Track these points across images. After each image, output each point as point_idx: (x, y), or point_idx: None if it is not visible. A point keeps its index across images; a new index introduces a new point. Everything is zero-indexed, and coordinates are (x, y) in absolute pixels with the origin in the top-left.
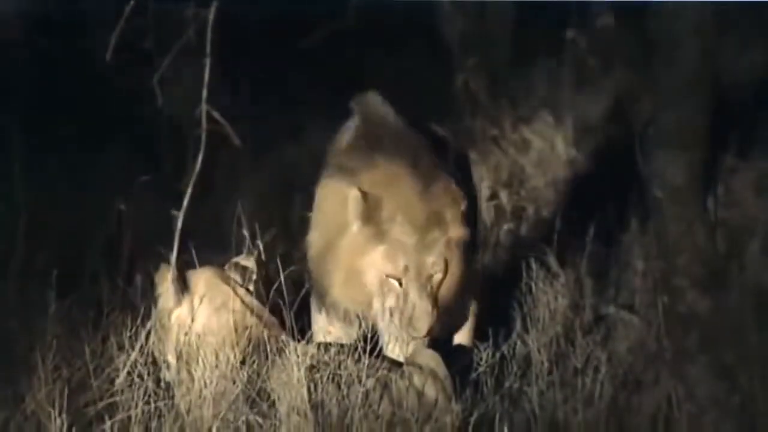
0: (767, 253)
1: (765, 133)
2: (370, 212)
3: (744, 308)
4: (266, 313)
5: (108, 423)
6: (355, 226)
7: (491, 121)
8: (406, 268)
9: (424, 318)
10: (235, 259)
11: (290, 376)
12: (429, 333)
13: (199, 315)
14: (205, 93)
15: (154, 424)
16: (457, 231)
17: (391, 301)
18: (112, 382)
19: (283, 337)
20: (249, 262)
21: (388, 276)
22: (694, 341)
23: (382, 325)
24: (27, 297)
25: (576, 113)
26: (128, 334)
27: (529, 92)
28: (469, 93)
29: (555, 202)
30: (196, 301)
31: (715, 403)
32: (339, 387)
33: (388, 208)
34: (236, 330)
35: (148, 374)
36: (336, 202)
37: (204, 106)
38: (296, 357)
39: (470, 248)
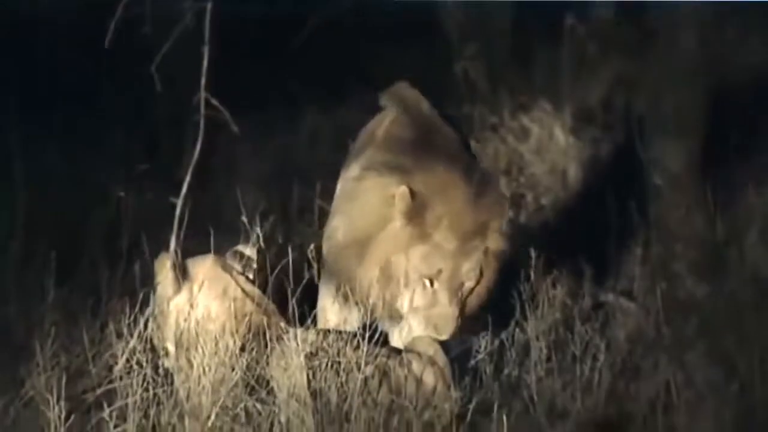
0: (766, 240)
1: (764, 121)
2: (416, 212)
3: (742, 294)
4: (266, 301)
5: (107, 410)
6: (398, 223)
7: (490, 108)
8: (440, 272)
9: (449, 322)
10: (236, 248)
11: (289, 363)
12: (451, 337)
13: (199, 302)
14: (203, 80)
15: (152, 411)
16: (496, 243)
17: (418, 300)
18: (110, 369)
19: (282, 324)
20: (250, 250)
21: (422, 276)
22: (692, 328)
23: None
24: (26, 284)
25: (575, 101)
26: (127, 322)
27: (528, 80)
28: (468, 80)
29: (554, 190)
30: (196, 288)
31: (714, 389)
32: (338, 374)
33: (435, 212)
34: (236, 317)
35: (147, 361)
36: (378, 196)
37: (203, 93)
38: (295, 344)
39: (505, 259)
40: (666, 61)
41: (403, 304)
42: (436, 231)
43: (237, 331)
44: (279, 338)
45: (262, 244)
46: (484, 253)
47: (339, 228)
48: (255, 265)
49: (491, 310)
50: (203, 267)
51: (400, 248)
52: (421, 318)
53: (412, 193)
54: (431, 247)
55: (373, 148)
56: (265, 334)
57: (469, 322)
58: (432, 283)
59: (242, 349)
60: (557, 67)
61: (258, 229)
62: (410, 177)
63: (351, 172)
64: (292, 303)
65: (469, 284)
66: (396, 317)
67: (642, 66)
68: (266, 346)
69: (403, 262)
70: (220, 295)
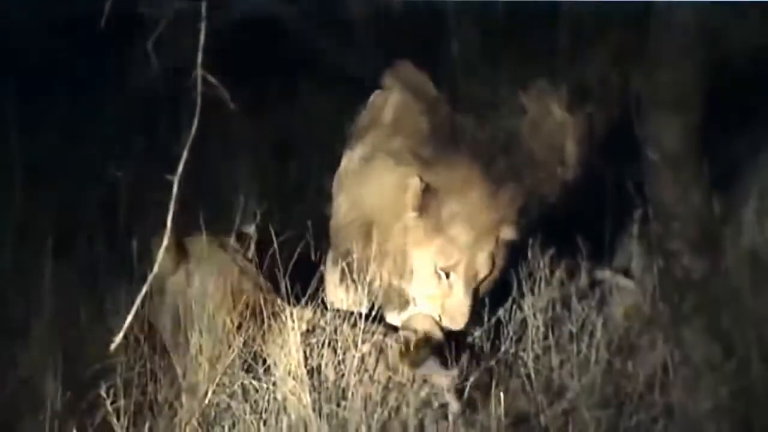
0: (763, 217)
1: (762, 97)
2: (428, 204)
3: (740, 272)
4: (262, 280)
5: (103, 387)
6: (411, 214)
7: (486, 84)
8: (457, 263)
9: (464, 312)
10: (238, 228)
11: (286, 341)
12: (464, 326)
13: (196, 280)
14: (200, 57)
15: (150, 388)
16: (508, 232)
17: (432, 290)
18: (107, 346)
19: (279, 301)
20: (250, 230)
21: (438, 269)
22: (689, 305)
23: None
24: (23, 261)
25: (571, 77)
26: (124, 299)
27: (524, 56)
28: (464, 57)
29: (550, 166)
30: (193, 266)
31: (711, 367)
32: (335, 352)
33: (452, 207)
34: (232, 295)
35: (144, 339)
36: (391, 181)
37: (199, 71)
38: (292, 322)
39: (515, 246)
40: (663, 36)
41: (416, 293)
42: (451, 224)
43: (234, 309)
44: (275, 316)
45: (257, 220)
46: (496, 242)
47: (342, 206)
48: (253, 246)
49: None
50: (201, 245)
51: (416, 241)
52: (435, 308)
53: (426, 187)
54: (447, 240)
55: (382, 131)
56: (261, 312)
57: (480, 309)
58: (448, 275)
59: (239, 327)
60: (554, 43)
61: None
62: (427, 168)
63: (357, 151)
64: (285, 281)
65: (482, 275)
66: (404, 305)
67: (639, 41)
68: (263, 323)
69: (419, 255)
70: (217, 274)
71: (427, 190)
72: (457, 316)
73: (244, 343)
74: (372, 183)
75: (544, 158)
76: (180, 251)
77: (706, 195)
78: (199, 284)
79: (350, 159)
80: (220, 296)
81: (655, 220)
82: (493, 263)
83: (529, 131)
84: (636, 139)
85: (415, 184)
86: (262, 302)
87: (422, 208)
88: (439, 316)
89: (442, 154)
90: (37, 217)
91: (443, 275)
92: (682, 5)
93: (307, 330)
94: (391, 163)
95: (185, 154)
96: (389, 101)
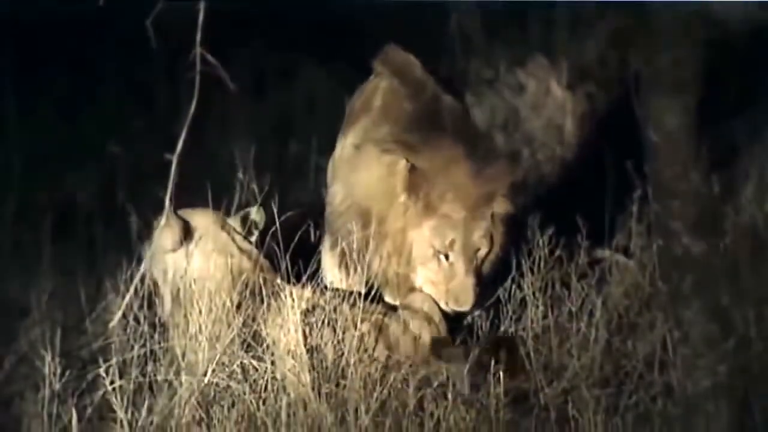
0: (762, 196)
1: (762, 76)
2: (418, 186)
3: (739, 251)
4: (262, 259)
5: (102, 366)
6: (402, 198)
7: (486, 63)
8: (452, 243)
9: (469, 292)
10: (245, 211)
11: (285, 320)
12: (472, 307)
13: (195, 258)
14: (198, 36)
15: (149, 367)
16: (502, 206)
17: (434, 273)
18: (106, 325)
19: (278, 281)
20: (258, 216)
21: (435, 250)
22: (689, 284)
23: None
24: (22, 239)
25: (571, 55)
26: (123, 277)
27: (523, 34)
28: (463, 35)
29: (550, 145)
30: (192, 244)
31: (710, 346)
32: (334, 331)
33: (440, 186)
34: (232, 274)
35: (144, 317)
36: (379, 169)
37: (198, 49)
38: (291, 301)
39: (514, 222)
40: (662, 15)
41: (420, 280)
42: (441, 203)
43: (234, 287)
44: (275, 295)
45: (258, 199)
46: (492, 218)
47: (338, 194)
48: (260, 227)
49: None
50: (201, 223)
51: (410, 224)
52: (440, 292)
53: (413, 168)
54: (440, 219)
55: (371, 118)
56: (261, 291)
57: (485, 289)
58: (447, 257)
59: (238, 306)
60: (553, 21)
61: (254, 186)
62: (412, 152)
63: (349, 139)
64: (286, 260)
65: (482, 252)
66: (407, 292)
67: (638, 20)
68: (262, 302)
69: (415, 237)
70: (217, 252)
71: (414, 171)
72: (461, 297)
73: (244, 323)
74: (362, 171)
75: (544, 137)
76: (182, 229)
77: (706, 174)
78: (199, 262)
79: (343, 146)
80: (220, 275)
81: (654, 200)
82: (492, 239)
83: (528, 110)
84: (636, 118)
85: (401, 166)
86: (261, 282)
87: (411, 190)
88: (445, 301)
89: (426, 137)
90: (36, 195)
91: (443, 258)
92: None
93: (307, 309)
94: (376, 151)
95: (184, 133)
96: (379, 87)
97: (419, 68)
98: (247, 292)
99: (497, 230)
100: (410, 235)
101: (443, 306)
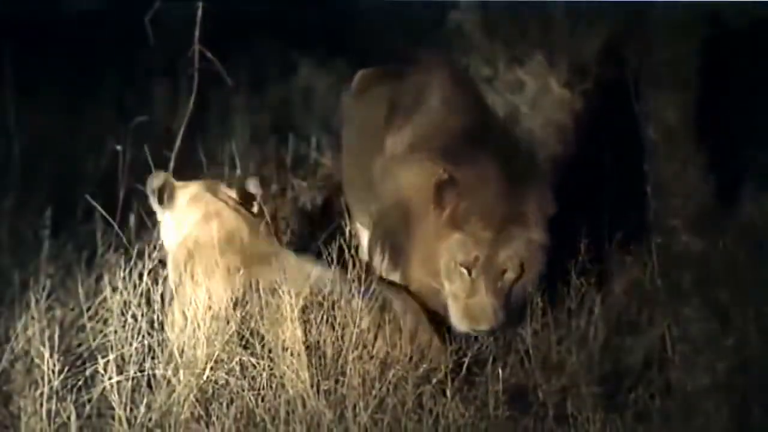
0: (761, 193)
1: (762, 73)
2: (447, 199)
3: (738, 248)
4: (257, 223)
5: (101, 363)
6: (433, 208)
7: (485, 61)
8: (476, 259)
9: (487, 312)
10: (242, 182)
11: (284, 317)
12: (491, 329)
13: (191, 220)
14: (197, 33)
15: (147, 364)
16: (538, 234)
17: (456, 287)
18: (105, 322)
19: (275, 243)
20: (255, 188)
21: (457, 264)
22: (688, 282)
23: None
24: (21, 236)
25: (570, 53)
26: (122, 275)
27: (522, 32)
28: (462, 32)
29: (549, 143)
30: (186, 209)
31: (709, 343)
32: (333, 328)
33: (468, 202)
34: (228, 240)
35: (142, 315)
36: (424, 177)
37: (196, 46)
38: (289, 298)
39: (548, 252)
40: (661, 13)
41: (444, 287)
42: (469, 219)
43: (231, 250)
44: (273, 292)
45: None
46: (526, 244)
47: (387, 192)
48: (257, 198)
49: None
50: (195, 189)
51: (440, 235)
52: (460, 307)
53: (446, 181)
54: (466, 234)
55: (426, 121)
56: (259, 257)
57: (515, 314)
58: (470, 272)
59: (236, 304)
60: (552, 19)
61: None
62: (454, 165)
63: (404, 137)
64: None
65: (509, 275)
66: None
67: (637, 17)
68: (260, 299)
69: (442, 249)
70: (213, 216)
71: (445, 184)
72: (479, 315)
73: (242, 319)
74: (410, 173)
75: (542, 134)
76: (172, 192)
77: (705, 171)
78: (196, 227)
79: (396, 143)
80: (216, 238)
81: (653, 197)
82: (522, 266)
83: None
84: (634, 115)
85: (435, 177)
86: (257, 245)
87: (438, 202)
88: (462, 317)
89: (469, 152)
90: (35, 191)
91: (465, 272)
92: None
93: (305, 306)
94: (425, 157)
95: (183, 128)
96: (432, 87)
97: (473, 82)
98: (245, 256)
99: (531, 258)
100: (439, 246)
101: (458, 322)
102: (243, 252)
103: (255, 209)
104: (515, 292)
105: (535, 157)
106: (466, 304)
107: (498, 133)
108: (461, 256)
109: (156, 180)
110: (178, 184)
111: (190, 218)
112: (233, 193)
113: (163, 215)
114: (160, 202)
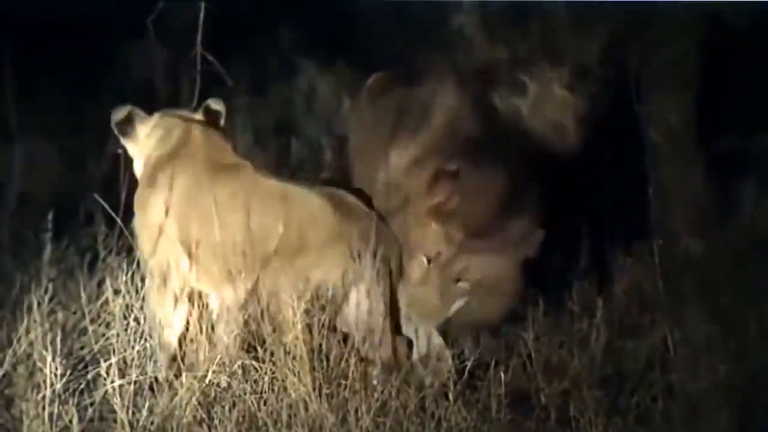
0: (762, 195)
1: (762, 73)
2: (447, 189)
3: (739, 251)
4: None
5: (103, 366)
6: (425, 190)
7: (486, 62)
8: (438, 254)
9: (428, 305)
10: (206, 102)
11: (285, 320)
12: (428, 323)
13: (149, 145)
14: (200, 34)
15: (149, 367)
16: (504, 263)
17: (415, 274)
18: (107, 325)
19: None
20: (219, 105)
21: (423, 254)
22: (689, 284)
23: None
24: (23, 239)
25: (572, 55)
26: (124, 278)
27: (523, 34)
28: (462, 34)
29: (550, 144)
30: (147, 135)
31: (711, 345)
32: (335, 330)
33: (463, 200)
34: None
35: (144, 318)
36: (423, 174)
37: (199, 48)
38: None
39: (524, 270)
40: (661, 15)
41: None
42: (454, 216)
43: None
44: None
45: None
46: (491, 267)
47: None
48: (222, 116)
49: None
50: (156, 115)
51: (419, 221)
52: (408, 294)
53: (454, 172)
54: (442, 228)
55: (435, 133)
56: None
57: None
58: (429, 261)
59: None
60: (553, 21)
61: None
62: (459, 162)
63: (410, 150)
64: None
65: (463, 285)
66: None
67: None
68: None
69: (416, 233)
70: (172, 132)
71: (451, 175)
72: (421, 308)
73: (245, 323)
74: (414, 181)
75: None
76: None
77: (706, 174)
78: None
79: (399, 158)
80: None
81: (655, 199)
82: (498, 279)
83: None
84: (636, 117)
85: (446, 177)
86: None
87: (435, 188)
88: (406, 303)
89: (475, 158)
90: (36, 194)
91: (425, 260)
92: None
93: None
94: (429, 163)
95: None
96: (442, 101)
97: (481, 90)
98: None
99: (492, 282)
100: (415, 230)
101: (404, 306)
102: (206, 161)
103: (221, 124)
104: (490, 303)
105: (535, 186)
106: (414, 291)
107: (504, 150)
108: (427, 246)
109: (118, 113)
110: (141, 115)
111: (152, 140)
112: (198, 115)
113: (132, 149)
114: (123, 134)
